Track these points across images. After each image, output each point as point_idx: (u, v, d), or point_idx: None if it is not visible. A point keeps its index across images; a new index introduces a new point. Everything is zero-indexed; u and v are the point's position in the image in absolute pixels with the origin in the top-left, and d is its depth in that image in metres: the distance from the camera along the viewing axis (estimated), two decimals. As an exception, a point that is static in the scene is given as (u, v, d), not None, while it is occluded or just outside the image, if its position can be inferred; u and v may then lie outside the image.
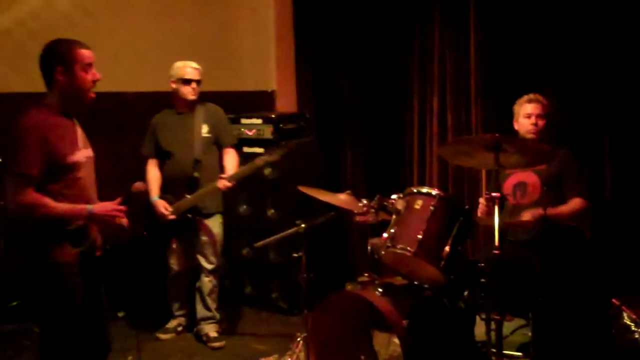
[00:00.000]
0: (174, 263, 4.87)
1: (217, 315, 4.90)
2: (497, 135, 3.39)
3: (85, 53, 3.19)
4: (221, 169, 4.76)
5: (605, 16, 4.51)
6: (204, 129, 4.71)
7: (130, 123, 5.26)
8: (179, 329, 4.97)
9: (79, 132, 3.27)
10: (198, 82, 4.70)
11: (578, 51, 4.65)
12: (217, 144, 4.80)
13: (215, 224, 4.81)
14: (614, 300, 3.71)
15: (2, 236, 4.81)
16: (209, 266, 4.80)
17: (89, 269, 3.25)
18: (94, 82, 3.21)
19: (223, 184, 4.53)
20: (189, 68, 4.69)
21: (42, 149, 3.03)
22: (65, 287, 3.16)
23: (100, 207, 3.19)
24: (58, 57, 3.15)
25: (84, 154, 3.23)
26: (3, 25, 5.04)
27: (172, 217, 4.61)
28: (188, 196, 4.62)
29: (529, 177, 4.13)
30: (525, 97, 4.19)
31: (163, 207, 4.62)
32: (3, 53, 4.99)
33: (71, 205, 3.12)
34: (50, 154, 3.05)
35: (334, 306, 3.76)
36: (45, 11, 5.19)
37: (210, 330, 4.85)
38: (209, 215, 4.77)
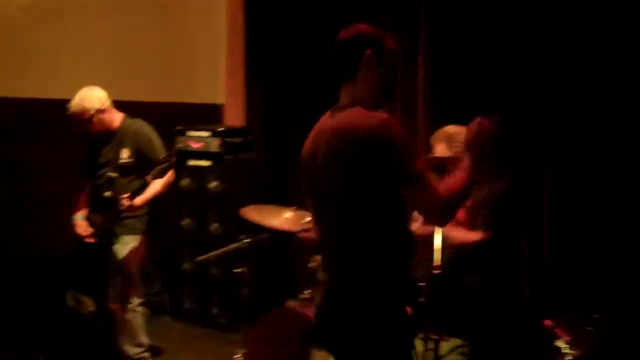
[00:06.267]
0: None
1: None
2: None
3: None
4: None
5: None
6: (124, 154, 4.37)
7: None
8: None
9: None
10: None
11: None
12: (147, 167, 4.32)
13: (123, 247, 4.40)
14: (547, 321, 3.75)
15: None
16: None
17: None
18: None
19: (125, 202, 4.17)
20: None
21: None
22: None
23: None
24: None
25: None
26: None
27: (90, 240, 4.35)
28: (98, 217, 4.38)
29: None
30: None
31: (81, 227, 4.37)
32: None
33: None
34: None
35: (274, 323, 3.72)
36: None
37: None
38: (120, 237, 4.38)
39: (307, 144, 2.62)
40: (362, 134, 2.38)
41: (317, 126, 2.63)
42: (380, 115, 2.42)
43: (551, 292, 4.56)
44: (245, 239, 3.99)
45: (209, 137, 5.34)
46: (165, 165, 4.14)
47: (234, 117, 6.01)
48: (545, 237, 4.65)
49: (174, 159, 4.23)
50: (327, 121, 2.59)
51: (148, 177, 4.13)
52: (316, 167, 2.54)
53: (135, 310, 4.44)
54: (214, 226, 5.31)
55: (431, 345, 3.40)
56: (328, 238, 2.57)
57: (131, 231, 4.39)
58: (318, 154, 2.53)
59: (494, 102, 4.71)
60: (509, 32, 4.71)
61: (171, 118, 4.84)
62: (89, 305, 4.49)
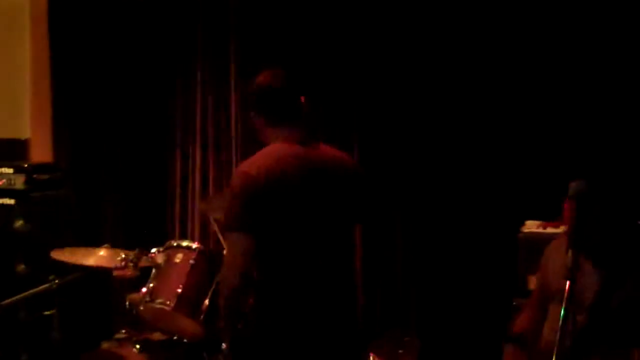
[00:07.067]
0: None
1: None
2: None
3: None
4: None
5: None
6: None
7: None
8: None
9: None
10: None
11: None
12: None
13: None
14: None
15: None
16: None
17: None
18: None
19: None
20: None
21: None
22: None
23: None
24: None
25: None
26: None
27: None
28: None
29: None
30: None
31: None
32: None
33: None
34: None
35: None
36: None
37: None
38: None
39: (280, 170, 2.61)
40: (355, 169, 2.82)
41: (286, 154, 2.65)
42: None
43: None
44: (54, 279, 3.85)
45: (12, 173, 5.09)
46: None
47: (41, 152, 5.77)
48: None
49: None
50: (304, 151, 2.67)
51: None
52: (308, 193, 2.62)
53: None
54: (21, 267, 5.05)
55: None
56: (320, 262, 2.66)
57: None
58: (311, 180, 2.62)
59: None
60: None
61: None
62: None
